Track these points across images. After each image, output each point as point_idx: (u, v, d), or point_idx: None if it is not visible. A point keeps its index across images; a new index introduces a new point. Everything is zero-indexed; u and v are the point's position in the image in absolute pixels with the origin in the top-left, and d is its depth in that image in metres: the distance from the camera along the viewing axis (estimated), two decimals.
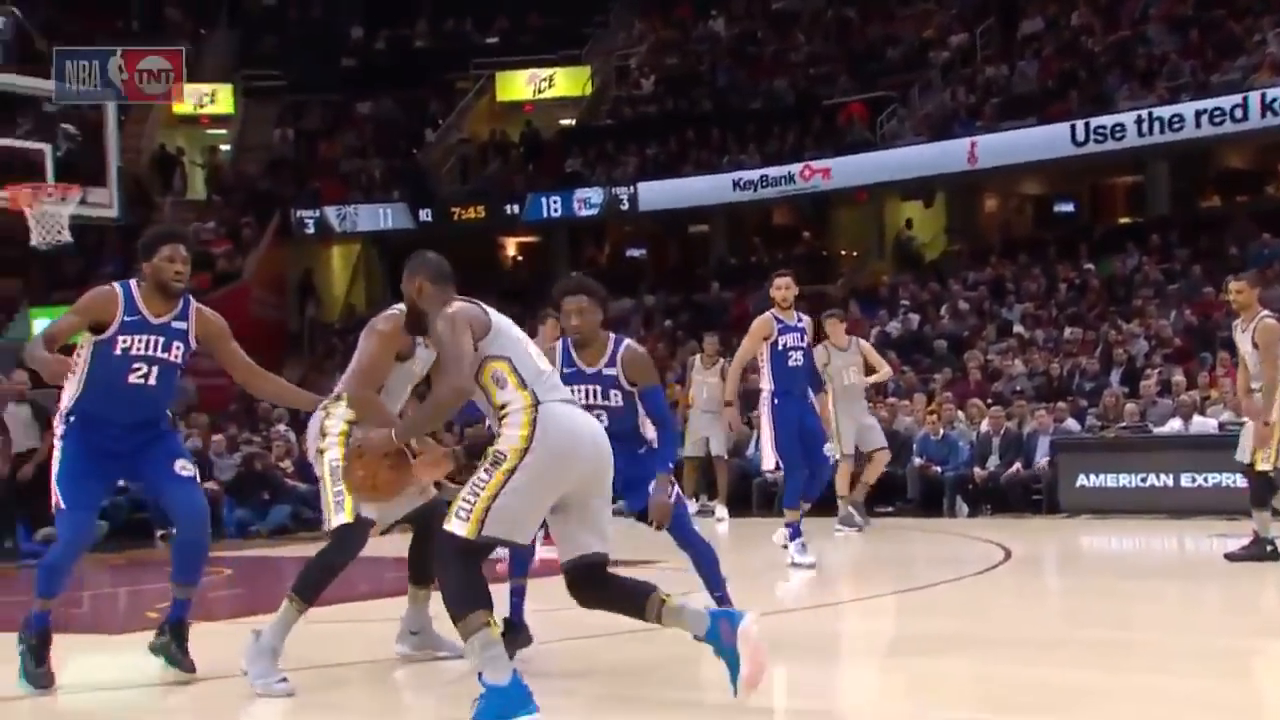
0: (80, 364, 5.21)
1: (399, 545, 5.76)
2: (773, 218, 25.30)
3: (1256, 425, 8.40)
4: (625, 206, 23.01)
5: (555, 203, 23.40)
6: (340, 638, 6.37)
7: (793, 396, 8.74)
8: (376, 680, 5.63)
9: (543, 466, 4.36)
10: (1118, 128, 19.08)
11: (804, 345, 8.86)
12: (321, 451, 5.27)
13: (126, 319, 5.16)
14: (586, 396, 5.51)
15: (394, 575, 6.14)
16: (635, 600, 4.65)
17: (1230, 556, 8.52)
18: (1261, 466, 8.43)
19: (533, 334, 5.84)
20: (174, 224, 5.42)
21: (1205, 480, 12.05)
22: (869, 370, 11.60)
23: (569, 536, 4.59)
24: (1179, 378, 13.87)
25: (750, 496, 14.24)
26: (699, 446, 13.42)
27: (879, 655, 6.29)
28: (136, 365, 5.17)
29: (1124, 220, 22.54)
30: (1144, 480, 12.48)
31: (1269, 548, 8.41)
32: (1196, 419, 12.89)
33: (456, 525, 4.34)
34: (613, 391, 5.59)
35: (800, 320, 8.90)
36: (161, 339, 5.22)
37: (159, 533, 11.44)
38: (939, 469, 13.35)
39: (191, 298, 5.39)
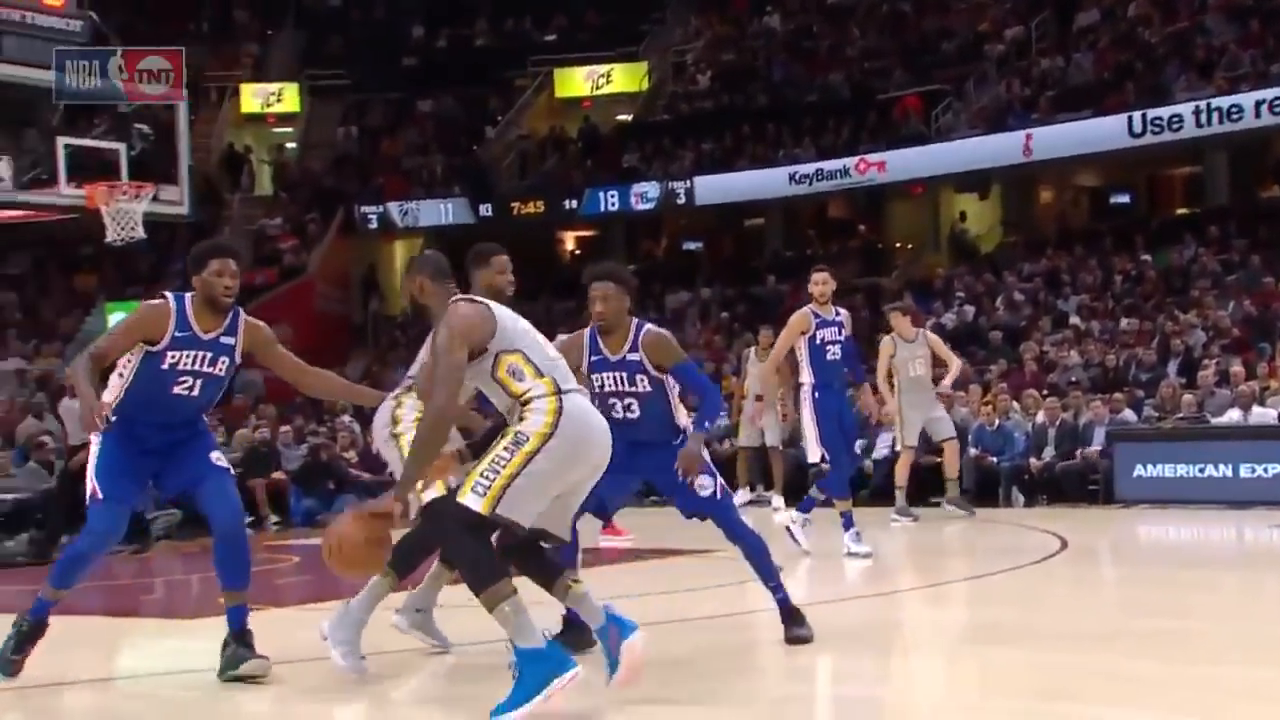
0: (127, 371, 5.19)
1: None
2: (828, 211, 25.34)
3: None
4: (682, 200, 23.16)
5: (613, 197, 23.60)
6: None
7: (832, 390, 8.90)
8: (429, 667, 5.57)
9: (562, 454, 4.41)
10: (1175, 119, 18.97)
11: (841, 339, 8.96)
12: (396, 436, 5.34)
13: (177, 334, 5.14)
14: (613, 383, 5.53)
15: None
16: (549, 577, 4.72)
17: None
18: None
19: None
20: (224, 239, 5.27)
21: (1264, 470, 12.05)
22: (938, 363, 11.70)
23: (545, 511, 4.56)
24: (1237, 368, 13.83)
25: (806, 486, 14.36)
26: (753, 437, 13.59)
27: (936, 644, 6.30)
28: (183, 379, 5.17)
29: (1181, 211, 22.35)
30: (1201, 470, 12.48)
31: None
32: (1255, 409, 12.86)
33: (472, 500, 4.32)
34: (638, 377, 5.53)
35: (838, 314, 9.02)
36: (209, 354, 5.21)
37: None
38: (994, 459, 13.42)
39: (240, 310, 5.37)
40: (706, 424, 5.64)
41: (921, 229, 24.43)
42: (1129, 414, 13.62)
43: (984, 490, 13.34)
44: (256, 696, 5.03)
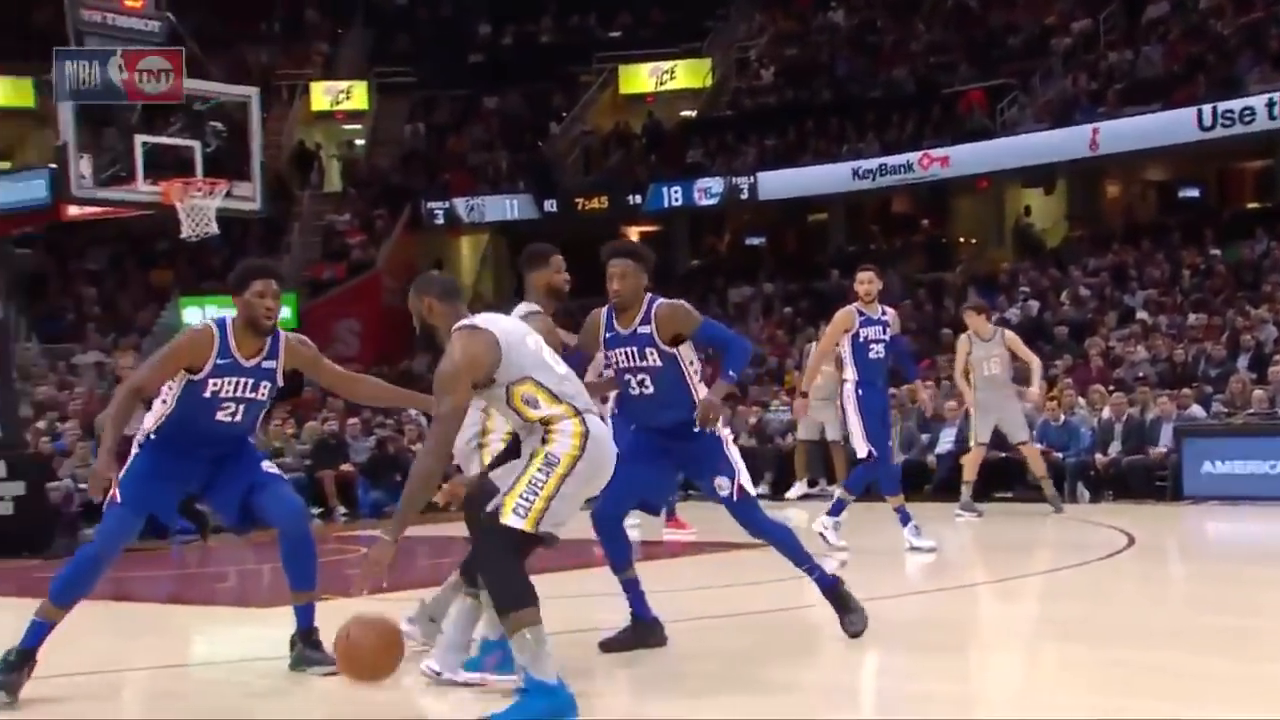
0: (169, 398, 5.15)
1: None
2: (891, 206, 25.24)
3: None
4: (745, 195, 23.18)
5: (676, 192, 23.67)
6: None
7: (875, 387, 8.98)
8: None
9: (588, 474, 4.50)
10: (1246, 111, 18.68)
11: (885, 338, 9.03)
12: (481, 447, 5.26)
13: (219, 362, 5.10)
14: (625, 359, 5.49)
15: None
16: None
17: None
18: None
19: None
20: (267, 260, 5.12)
21: None
22: (1017, 363, 11.65)
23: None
24: None
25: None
26: (814, 431, 13.62)
27: (1005, 639, 6.31)
28: (225, 405, 5.14)
29: (1252, 205, 22.02)
30: (1273, 467, 12.34)
31: None
32: None
33: (514, 520, 4.37)
34: (648, 350, 5.46)
35: (884, 314, 9.09)
36: (251, 380, 5.17)
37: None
38: (1060, 455, 13.35)
39: (280, 332, 5.30)
40: (732, 372, 5.51)
41: (986, 224, 24.26)
42: (1197, 410, 13.48)
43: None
44: (328, 685, 5.14)
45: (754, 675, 5.20)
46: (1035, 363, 11.97)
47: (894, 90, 23.92)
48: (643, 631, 5.55)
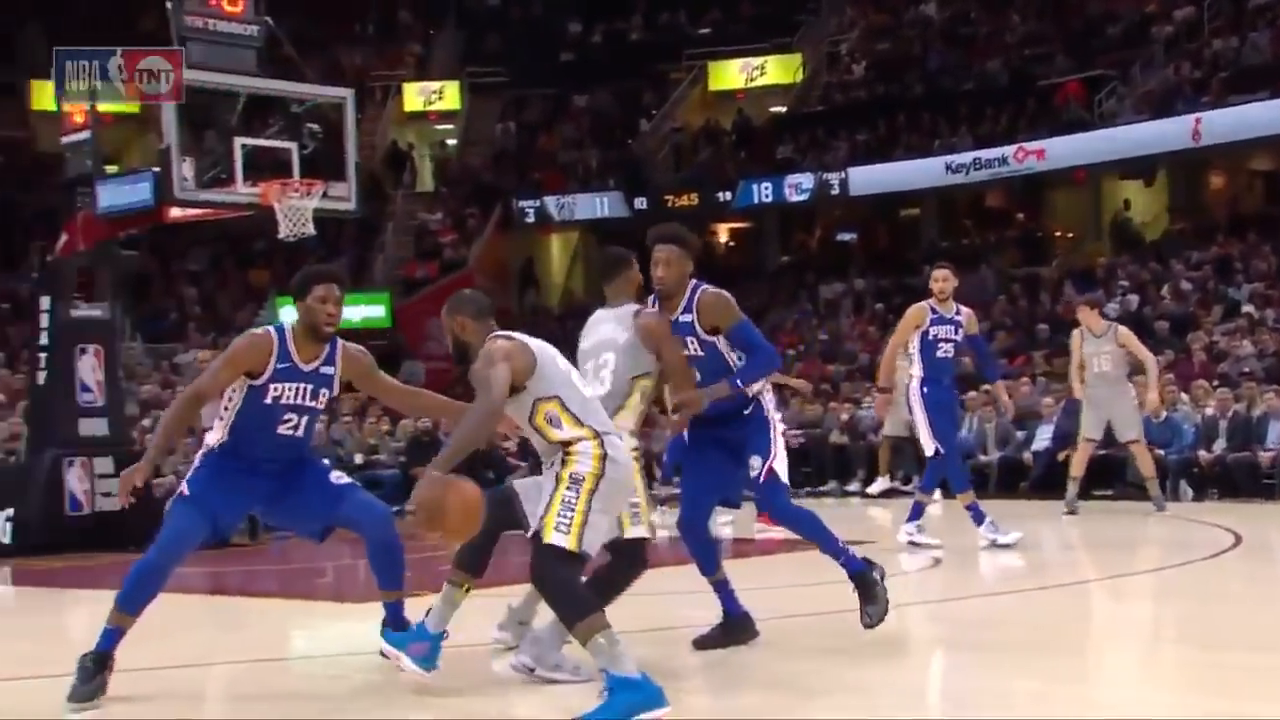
0: (230, 407, 5.10)
1: None
2: (985, 200, 24.90)
3: None
4: (836, 191, 23.02)
5: (766, 189, 23.58)
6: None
7: (941, 385, 8.92)
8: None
9: (611, 491, 4.61)
10: None
11: (956, 339, 8.95)
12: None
13: (279, 366, 5.05)
14: None
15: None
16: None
17: None
18: None
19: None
20: (330, 265, 4.92)
21: None
22: (1133, 360, 11.43)
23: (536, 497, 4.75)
24: None
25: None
26: (901, 427, 13.49)
27: (1111, 639, 6.22)
28: (287, 416, 5.09)
29: None
30: None
31: None
32: None
33: (558, 538, 4.47)
34: (689, 340, 5.37)
35: (958, 313, 8.99)
36: (310, 386, 5.11)
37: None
38: (1162, 451, 13.07)
39: (338, 340, 5.22)
40: (739, 380, 5.33)
41: (1083, 217, 23.83)
42: None
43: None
44: (423, 681, 5.15)
45: (851, 675, 5.17)
46: (1150, 361, 11.65)
47: (988, 83, 23.59)
48: (734, 627, 5.54)
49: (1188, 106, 20.00)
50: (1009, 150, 21.37)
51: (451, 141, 28.84)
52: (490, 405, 4.52)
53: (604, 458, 4.60)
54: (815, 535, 5.54)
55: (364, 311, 23.11)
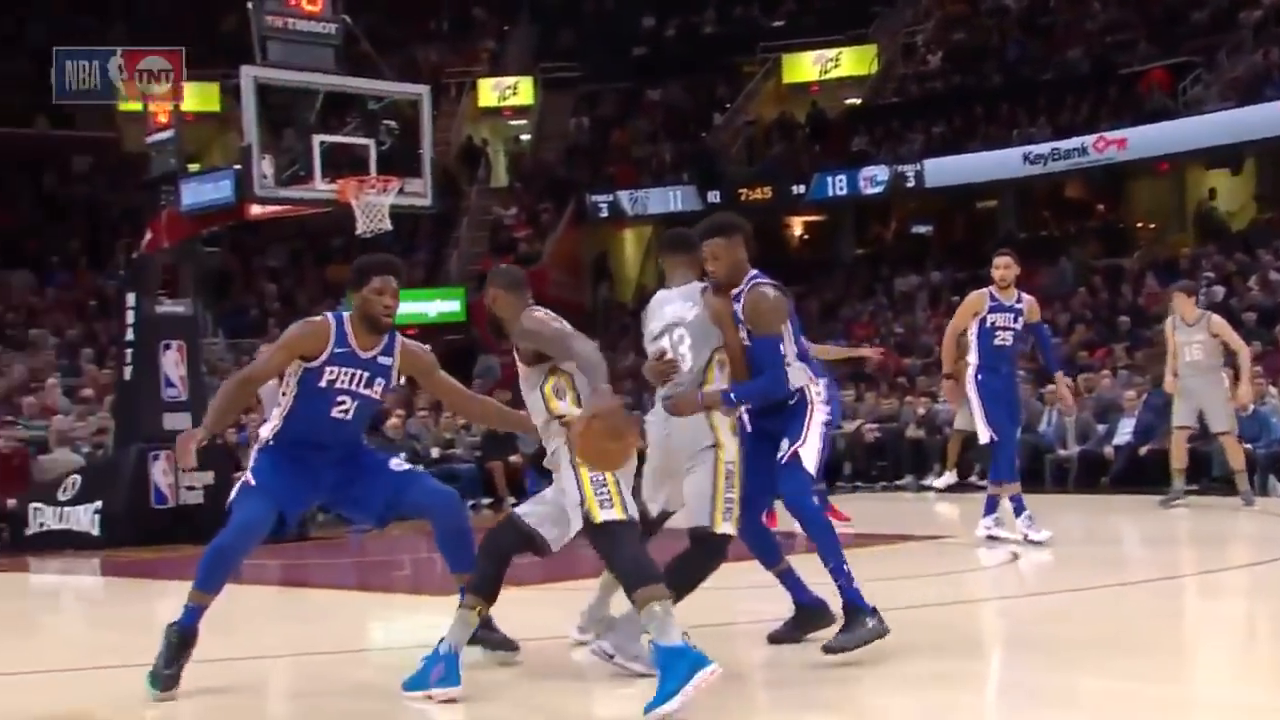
0: (287, 392, 5.10)
1: None
2: (1064, 191, 24.54)
3: None
4: (911, 183, 22.82)
5: (841, 181, 23.43)
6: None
7: (998, 373, 8.81)
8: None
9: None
10: None
11: (1015, 327, 8.85)
12: (720, 445, 5.07)
13: (336, 350, 5.03)
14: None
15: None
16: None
17: None
18: None
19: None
20: (387, 255, 4.84)
21: None
22: (1226, 351, 11.21)
23: (554, 516, 4.94)
24: None
25: (1043, 472, 14.07)
26: (968, 420, 13.30)
27: (1201, 636, 6.13)
28: (340, 399, 5.06)
29: None
30: None
31: None
32: None
33: (609, 514, 4.64)
34: (741, 328, 5.20)
35: (1019, 301, 8.90)
36: (366, 373, 5.09)
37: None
38: (1250, 445, 12.78)
39: (397, 333, 5.22)
40: (733, 395, 5.11)
41: (1166, 207, 23.39)
42: None
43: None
44: (502, 674, 5.23)
45: (937, 667, 5.12)
46: (1243, 352, 11.34)
47: (1068, 72, 23.24)
48: (807, 617, 5.48)
49: (1276, 92, 19.54)
50: (1089, 140, 21.06)
51: (525, 137, 28.99)
52: (588, 345, 4.72)
53: None
54: (822, 541, 5.22)
55: (440, 306, 23.33)
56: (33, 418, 14.08)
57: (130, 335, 12.12)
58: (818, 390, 5.29)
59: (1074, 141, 21.28)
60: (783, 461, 5.17)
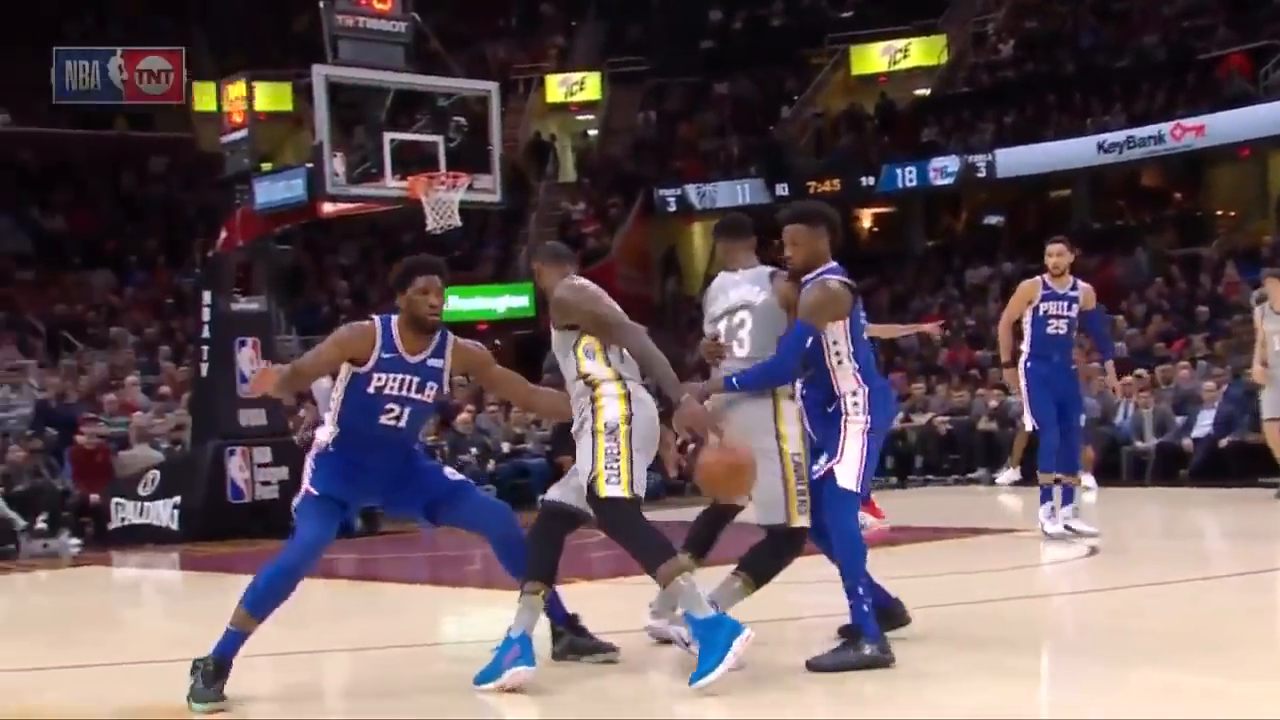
0: (335, 400, 5.07)
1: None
2: (1140, 179, 24.13)
3: None
4: (982, 174, 22.57)
5: (910, 173, 23.23)
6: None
7: (1049, 362, 8.69)
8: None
9: (643, 433, 4.85)
10: None
11: (1070, 315, 8.73)
12: (783, 437, 5.01)
13: (383, 355, 4.95)
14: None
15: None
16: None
17: None
18: None
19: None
20: (430, 255, 4.78)
21: None
22: None
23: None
24: None
25: (1120, 465, 13.86)
26: None
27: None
28: (389, 406, 4.98)
29: None
30: None
31: None
32: None
33: (615, 489, 4.74)
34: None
35: (1074, 288, 8.77)
36: (416, 379, 5.00)
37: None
38: None
39: (449, 333, 5.13)
40: (734, 380, 5.02)
41: (1246, 195, 22.90)
42: None
43: None
44: (573, 667, 5.23)
45: (1009, 662, 5.08)
46: None
47: (1144, 59, 22.83)
48: (883, 618, 5.43)
49: None
50: (1166, 127, 20.69)
51: (593, 132, 29.03)
52: (635, 328, 4.91)
53: (628, 397, 4.85)
54: (846, 559, 4.98)
55: (508, 302, 23.46)
56: (113, 415, 14.35)
57: (206, 333, 12.31)
58: (857, 399, 5.04)
59: (1150, 129, 20.92)
60: (816, 477, 5.05)
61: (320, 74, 11.44)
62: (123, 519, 12.13)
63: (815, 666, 4.92)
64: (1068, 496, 8.82)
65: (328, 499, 4.96)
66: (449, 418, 15.02)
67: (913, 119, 25.00)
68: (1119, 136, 21.23)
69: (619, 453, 4.76)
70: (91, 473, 12.72)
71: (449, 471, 5.30)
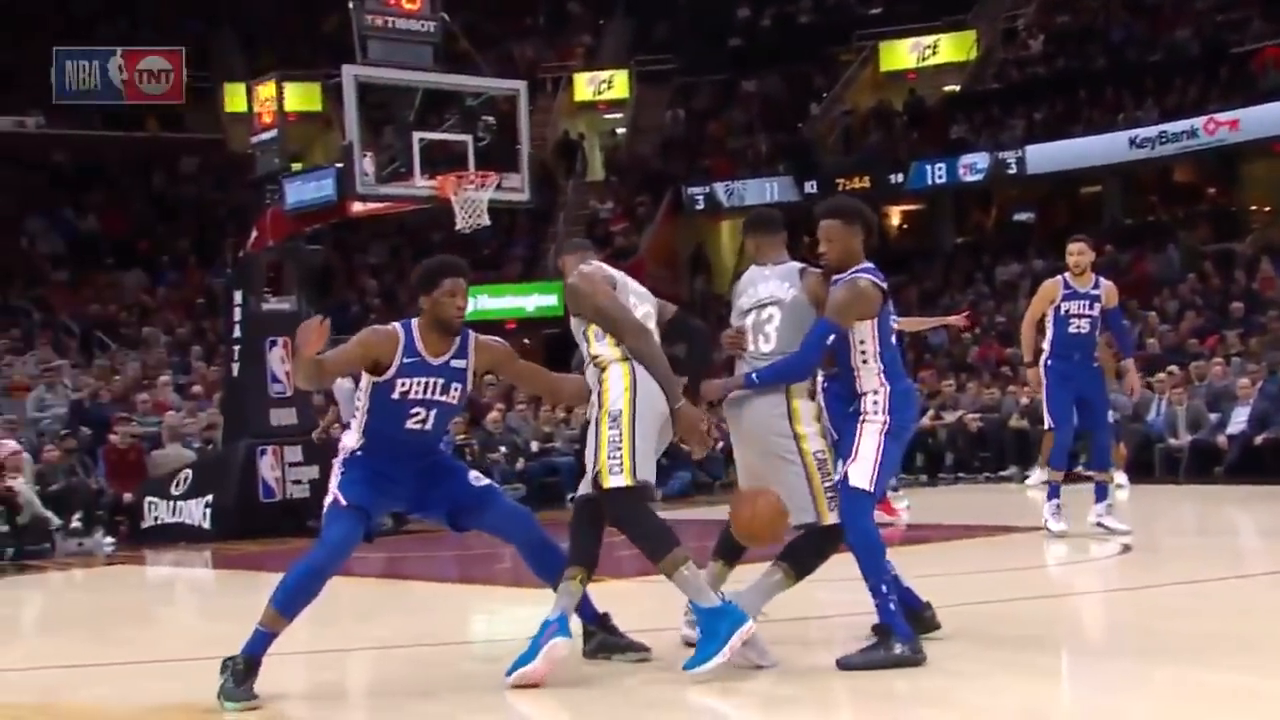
0: (360, 410, 5.07)
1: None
2: (1173, 175, 23.94)
3: None
4: (1013, 170, 22.45)
5: (940, 169, 23.14)
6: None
7: (1070, 360, 8.65)
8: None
9: (647, 415, 4.89)
10: None
11: (1092, 314, 8.68)
12: (801, 437, 5.03)
13: (406, 360, 4.94)
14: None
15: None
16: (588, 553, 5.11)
17: None
18: None
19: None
20: (454, 256, 4.76)
21: None
22: None
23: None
24: None
25: (1153, 463, 13.76)
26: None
27: None
28: (415, 410, 4.97)
29: None
30: None
31: None
32: None
33: (618, 479, 4.79)
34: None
35: (1096, 287, 8.73)
36: (440, 381, 4.99)
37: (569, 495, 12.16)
38: None
39: (470, 331, 5.09)
40: (755, 376, 5.02)
41: None
42: None
43: None
44: (608, 666, 5.22)
45: (1043, 661, 5.07)
46: None
47: (1176, 53, 22.65)
48: (912, 621, 5.40)
49: None
50: (1199, 122, 20.52)
51: (621, 130, 29.03)
52: (639, 326, 5.00)
53: (632, 374, 4.93)
54: (865, 559, 4.94)
55: (537, 300, 23.49)
56: (146, 414, 14.46)
57: (237, 333, 12.39)
58: (877, 399, 4.99)
59: (1183, 124, 20.77)
60: (836, 479, 5.02)
61: (350, 74, 11.49)
62: (156, 518, 12.22)
63: (845, 665, 4.89)
64: (1101, 494, 8.76)
65: (356, 507, 4.96)
66: (478, 416, 15.06)
67: (942, 115, 24.88)
68: (1151, 132, 21.08)
69: (621, 440, 4.83)
70: (125, 472, 12.83)
71: (474, 476, 5.27)
